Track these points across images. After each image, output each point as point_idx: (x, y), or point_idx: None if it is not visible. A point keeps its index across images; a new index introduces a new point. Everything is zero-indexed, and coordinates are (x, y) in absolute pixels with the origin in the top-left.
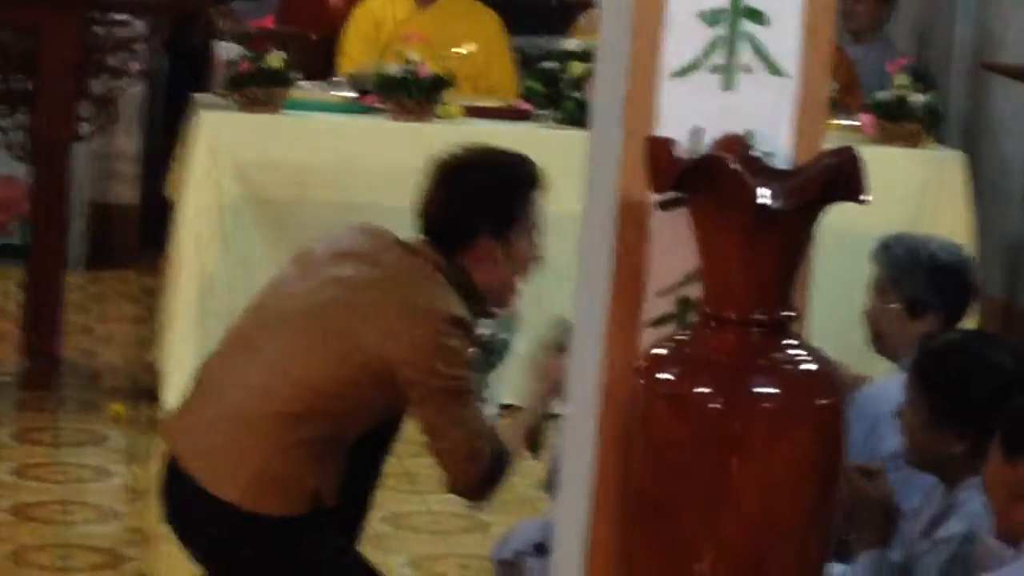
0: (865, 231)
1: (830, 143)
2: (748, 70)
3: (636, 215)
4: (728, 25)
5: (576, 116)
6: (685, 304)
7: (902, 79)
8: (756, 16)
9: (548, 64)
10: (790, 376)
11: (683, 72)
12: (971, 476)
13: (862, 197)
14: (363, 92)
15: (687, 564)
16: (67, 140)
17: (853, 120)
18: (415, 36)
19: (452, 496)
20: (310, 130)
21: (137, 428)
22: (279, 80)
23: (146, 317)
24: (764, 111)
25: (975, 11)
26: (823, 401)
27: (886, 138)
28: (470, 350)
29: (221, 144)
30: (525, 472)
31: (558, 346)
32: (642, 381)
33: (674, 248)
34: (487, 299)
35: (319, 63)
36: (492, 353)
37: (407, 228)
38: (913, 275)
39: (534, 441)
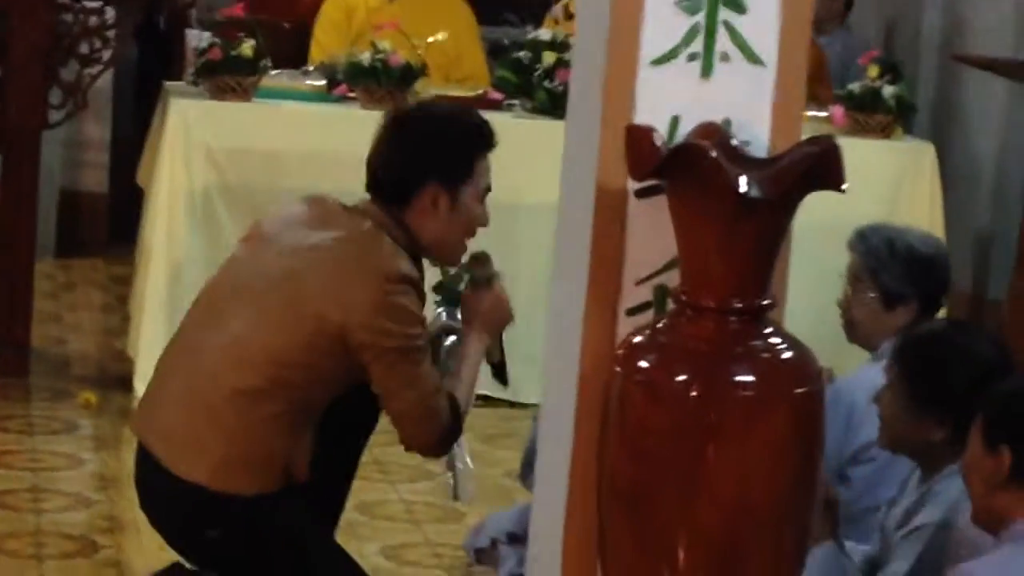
0: (835, 222)
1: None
2: (726, 58)
3: (614, 203)
4: (706, 13)
5: (548, 106)
6: (663, 292)
7: (873, 70)
8: (734, 4)
9: (520, 53)
10: (768, 364)
11: (661, 60)
12: (948, 464)
13: (842, 186)
14: (334, 81)
15: (663, 551)
16: (37, 127)
17: (823, 112)
18: (387, 25)
19: (425, 486)
20: (281, 118)
21: (108, 416)
22: (250, 68)
23: (115, 305)
24: (742, 99)
25: (943, 1)
26: (801, 389)
27: (857, 129)
28: (421, 307)
29: (192, 132)
30: (498, 463)
31: (485, 280)
32: (619, 369)
33: (652, 236)
34: (434, 257)
35: (290, 51)
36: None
37: None
38: (890, 266)
39: (502, 375)
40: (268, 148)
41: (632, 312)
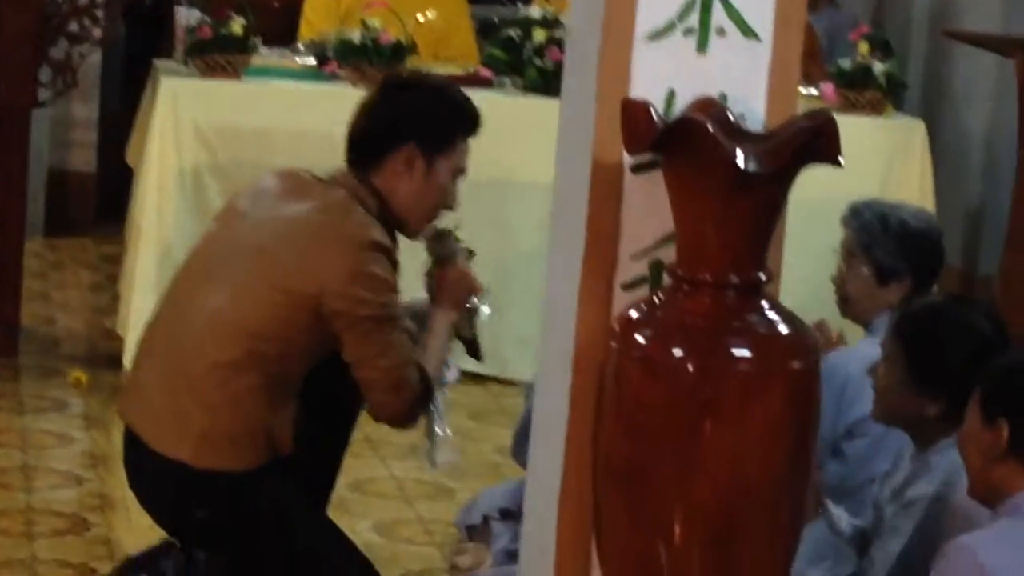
0: (825, 200)
1: None
2: (722, 33)
3: (609, 178)
4: None
5: (538, 83)
6: (659, 267)
7: (864, 47)
8: None
9: (510, 31)
10: (764, 339)
11: (657, 35)
12: (943, 438)
13: (839, 159)
14: (324, 59)
15: (659, 527)
16: (27, 106)
17: (814, 89)
18: (376, 3)
19: (417, 462)
20: (271, 96)
21: (98, 394)
22: (240, 47)
23: (105, 284)
24: (737, 74)
25: None
26: (797, 364)
27: (847, 107)
28: (394, 275)
29: (182, 110)
30: (489, 439)
31: (447, 257)
32: (615, 344)
33: (647, 211)
34: (404, 224)
35: (280, 30)
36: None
37: None
38: (883, 241)
39: (475, 350)
40: (258, 126)
41: (628, 287)
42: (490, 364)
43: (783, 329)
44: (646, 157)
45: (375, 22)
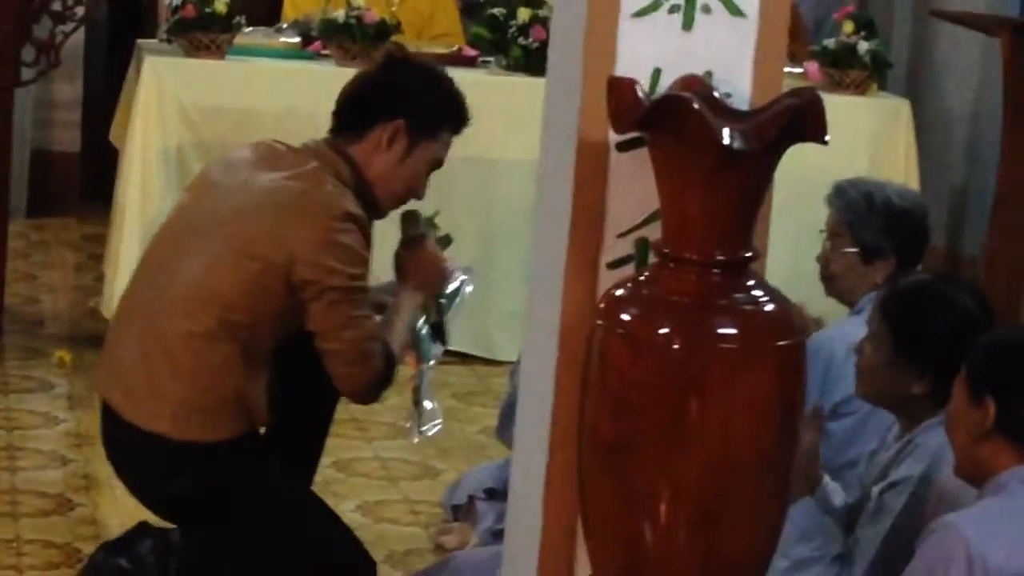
0: (810, 179)
1: None
2: (707, 10)
3: (595, 156)
4: None
5: (523, 63)
6: (645, 245)
7: (848, 26)
8: None
9: (495, 10)
10: (750, 317)
11: (642, 12)
12: (928, 418)
13: (825, 138)
14: (308, 38)
15: (645, 504)
16: (9, 85)
17: (799, 68)
18: None
19: (402, 443)
20: (255, 76)
21: (82, 374)
22: (224, 25)
23: (89, 264)
24: (723, 52)
25: None
26: (783, 342)
27: (832, 86)
28: (366, 248)
29: (166, 89)
30: (475, 419)
31: (417, 238)
32: (601, 322)
33: (633, 189)
34: (378, 198)
35: (264, 9)
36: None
37: None
38: (868, 219)
39: (441, 334)
40: (242, 105)
41: (614, 265)
42: (476, 344)
43: (769, 307)
44: (632, 135)
45: (359, 1)
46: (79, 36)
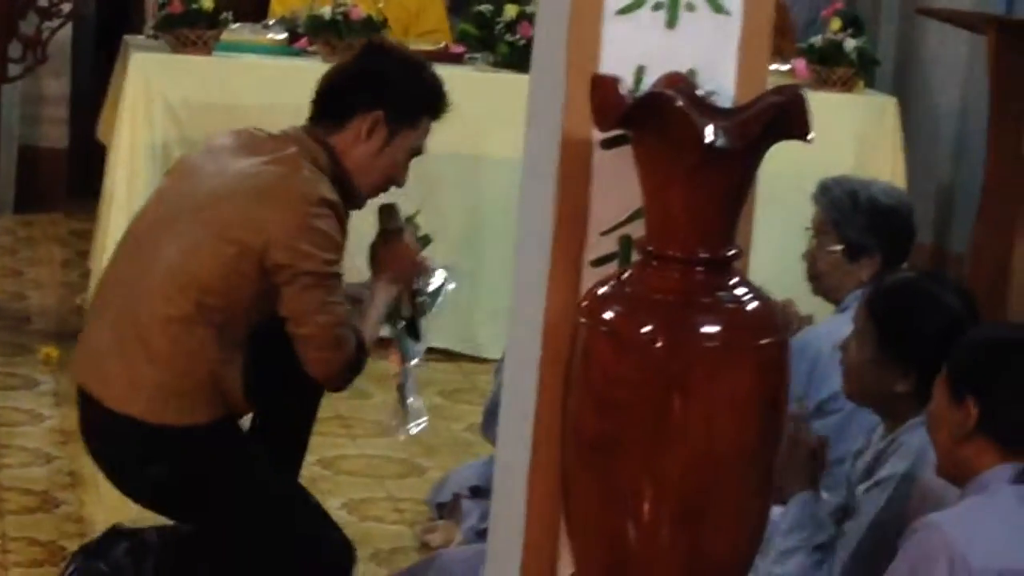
0: (797, 177)
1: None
2: (691, 8)
3: (579, 154)
4: None
5: (510, 59)
6: (628, 243)
7: (836, 24)
8: None
9: (482, 7)
10: (733, 314)
11: (626, 10)
12: (912, 416)
13: (809, 136)
14: (295, 34)
15: (628, 502)
16: None
17: (785, 65)
18: None
19: (387, 440)
20: (242, 72)
21: (69, 371)
22: (211, 22)
23: (76, 260)
24: (707, 50)
25: None
26: (766, 340)
27: (819, 83)
28: (342, 234)
29: (153, 85)
30: (460, 417)
31: (393, 231)
32: (584, 320)
33: (617, 187)
34: (356, 187)
35: (251, 5)
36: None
37: None
38: (853, 217)
39: (414, 330)
40: (229, 102)
41: (597, 263)
42: (461, 341)
43: (752, 305)
44: (616, 132)
45: None
46: (66, 32)
